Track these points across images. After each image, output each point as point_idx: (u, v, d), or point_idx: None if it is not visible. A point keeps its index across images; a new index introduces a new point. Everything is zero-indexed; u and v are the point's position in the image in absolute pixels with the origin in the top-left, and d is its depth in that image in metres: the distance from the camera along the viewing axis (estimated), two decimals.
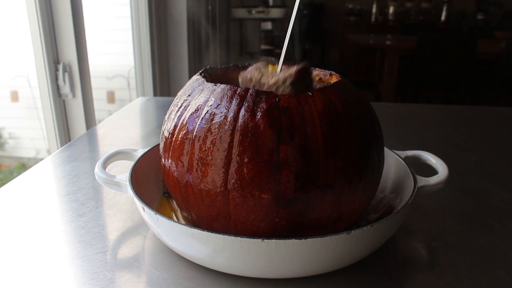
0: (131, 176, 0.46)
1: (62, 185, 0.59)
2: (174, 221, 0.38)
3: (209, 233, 0.36)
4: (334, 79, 0.46)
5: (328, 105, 0.39)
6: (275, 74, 0.45)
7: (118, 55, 2.25)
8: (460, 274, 0.41)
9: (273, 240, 0.35)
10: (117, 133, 0.80)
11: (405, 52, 2.81)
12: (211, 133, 0.38)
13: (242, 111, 0.38)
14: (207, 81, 0.43)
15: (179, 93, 0.45)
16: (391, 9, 4.07)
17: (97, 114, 1.28)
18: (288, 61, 0.48)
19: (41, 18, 1.07)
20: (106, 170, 0.48)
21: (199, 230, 0.37)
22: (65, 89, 1.17)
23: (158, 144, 0.51)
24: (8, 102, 2.25)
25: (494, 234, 0.48)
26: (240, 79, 0.46)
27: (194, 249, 0.39)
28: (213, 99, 0.39)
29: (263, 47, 3.28)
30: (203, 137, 0.38)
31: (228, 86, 0.40)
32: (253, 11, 2.89)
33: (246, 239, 0.35)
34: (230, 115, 0.38)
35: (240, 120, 0.37)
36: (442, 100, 2.95)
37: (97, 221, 0.49)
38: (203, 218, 0.41)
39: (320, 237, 0.36)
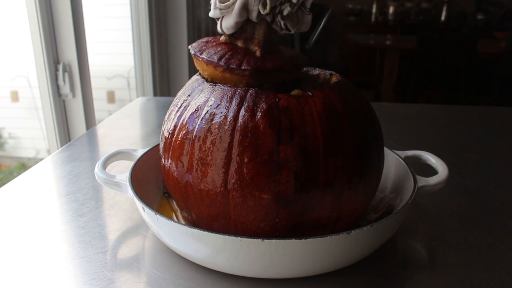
0: (131, 176, 0.46)
1: (62, 185, 0.59)
2: (174, 221, 0.38)
3: (209, 233, 0.36)
4: (334, 79, 0.46)
5: (328, 105, 0.39)
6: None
7: (118, 55, 2.25)
8: (460, 274, 0.41)
9: (273, 240, 0.35)
10: (117, 133, 0.80)
11: (405, 52, 2.81)
12: (211, 133, 0.38)
13: (242, 111, 0.38)
14: (207, 81, 0.43)
15: (179, 93, 0.45)
16: (391, 9, 4.07)
17: (97, 114, 1.28)
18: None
19: (41, 18, 1.07)
20: (106, 170, 0.48)
21: (199, 230, 0.37)
22: (65, 89, 1.17)
23: (158, 144, 0.51)
24: (8, 102, 2.25)
25: (494, 234, 0.48)
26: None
27: (194, 249, 0.39)
28: (213, 99, 0.39)
29: None
30: (203, 137, 0.38)
31: (228, 86, 0.40)
32: None
33: (246, 239, 0.35)
34: (230, 115, 0.38)
35: (240, 120, 0.37)
36: (442, 100, 2.95)
37: (97, 221, 0.49)
38: (203, 218, 0.41)
39: (320, 237, 0.36)
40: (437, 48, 2.62)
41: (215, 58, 0.41)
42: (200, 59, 0.42)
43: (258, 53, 0.42)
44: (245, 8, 0.40)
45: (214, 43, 0.44)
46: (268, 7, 0.40)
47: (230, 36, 0.44)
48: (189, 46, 0.45)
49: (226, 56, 0.41)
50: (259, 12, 0.40)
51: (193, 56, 0.43)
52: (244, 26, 0.43)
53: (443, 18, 3.94)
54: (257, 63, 0.40)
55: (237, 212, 0.38)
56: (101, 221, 0.50)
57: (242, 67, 0.40)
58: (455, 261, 0.43)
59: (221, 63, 0.41)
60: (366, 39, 3.26)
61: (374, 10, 4.09)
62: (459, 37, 2.77)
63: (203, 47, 0.43)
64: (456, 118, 0.95)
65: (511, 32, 2.67)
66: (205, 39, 0.46)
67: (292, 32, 0.42)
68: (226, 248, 0.37)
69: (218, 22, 0.43)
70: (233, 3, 0.41)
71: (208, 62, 0.42)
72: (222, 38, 0.44)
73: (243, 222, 0.39)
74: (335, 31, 4.13)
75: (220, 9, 0.42)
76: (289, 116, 0.37)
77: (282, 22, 0.41)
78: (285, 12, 0.40)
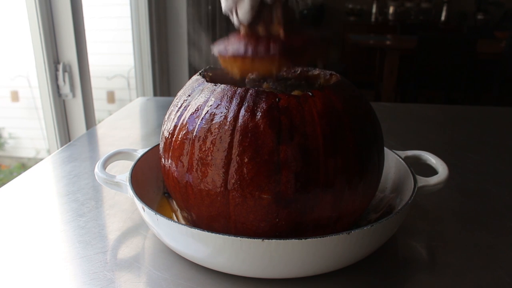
0: (131, 176, 0.46)
1: (62, 185, 0.59)
2: (174, 221, 0.38)
3: (209, 233, 0.36)
4: (334, 79, 0.46)
5: (328, 105, 0.39)
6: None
7: (118, 55, 2.25)
8: (460, 274, 0.41)
9: (273, 240, 0.35)
10: (117, 133, 0.80)
11: (405, 52, 2.81)
12: (211, 133, 0.38)
13: (242, 111, 0.38)
14: (207, 81, 0.43)
15: (179, 93, 0.45)
16: (391, 9, 4.07)
17: (97, 114, 1.28)
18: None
19: (41, 18, 1.07)
20: (106, 170, 0.48)
21: (199, 230, 0.37)
22: (65, 89, 1.17)
23: (158, 144, 0.51)
24: (8, 102, 2.25)
25: (494, 234, 0.48)
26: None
27: (194, 249, 0.39)
28: (213, 99, 0.39)
29: None
30: (203, 137, 0.38)
31: (228, 86, 0.40)
32: None
33: (246, 239, 0.35)
34: (230, 115, 0.38)
35: (240, 120, 0.37)
36: (442, 100, 2.95)
37: (97, 221, 0.49)
38: (203, 218, 0.41)
39: (320, 237, 0.36)
40: (437, 48, 2.62)
41: (241, 50, 0.40)
42: (227, 57, 0.41)
43: (281, 34, 0.41)
44: None
45: (236, 38, 0.43)
46: None
47: (250, 26, 0.42)
48: (213, 48, 0.44)
49: (252, 45, 0.40)
50: None
51: (219, 57, 0.42)
52: (260, 14, 0.42)
53: (443, 18, 3.94)
54: (283, 43, 0.39)
55: (237, 212, 0.38)
56: (101, 221, 0.50)
57: (271, 52, 0.39)
58: (455, 261, 0.43)
59: (249, 53, 0.39)
60: (366, 39, 3.26)
61: (374, 10, 4.09)
62: (459, 37, 2.77)
63: (227, 45, 0.42)
64: (456, 118, 0.95)
65: (511, 32, 2.68)
66: (225, 39, 0.45)
67: (309, 3, 0.42)
68: (226, 248, 0.37)
69: (234, 16, 0.42)
70: None
71: (235, 57, 0.40)
72: (242, 31, 0.43)
73: (243, 222, 0.39)
74: (335, 31, 4.13)
75: None
76: (289, 116, 0.37)
77: None
78: None
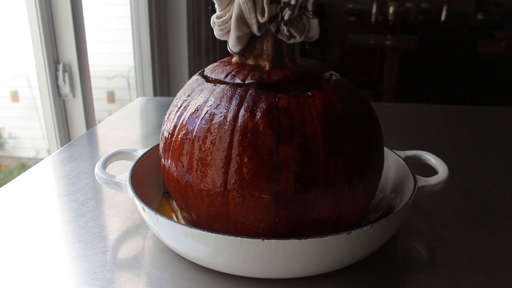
0: (131, 176, 0.46)
1: (62, 185, 0.59)
2: (174, 221, 0.38)
3: (209, 233, 0.36)
4: (334, 79, 0.46)
5: (328, 105, 0.39)
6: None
7: (118, 55, 2.25)
8: (460, 274, 0.41)
9: (273, 240, 0.35)
10: (117, 133, 0.80)
11: (405, 52, 2.81)
12: (211, 133, 0.38)
13: (242, 111, 0.38)
14: (206, 81, 0.43)
15: (178, 93, 0.45)
16: (391, 9, 4.07)
17: (97, 114, 1.28)
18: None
19: (41, 18, 1.07)
20: (106, 170, 0.48)
21: (199, 230, 0.37)
22: (65, 89, 1.17)
23: (158, 144, 0.51)
24: (8, 102, 2.25)
25: (494, 234, 0.48)
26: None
27: (194, 249, 0.39)
28: (212, 99, 0.39)
29: None
30: (202, 137, 0.38)
31: (228, 86, 0.40)
32: None
33: (246, 239, 0.35)
34: (230, 115, 0.38)
35: (240, 120, 0.37)
36: (442, 100, 2.95)
37: (97, 221, 0.49)
38: (203, 218, 0.41)
39: (320, 237, 0.36)
40: (437, 48, 2.62)
41: (221, 77, 0.42)
42: (210, 79, 0.43)
43: (267, 67, 0.42)
44: (242, 20, 0.40)
45: (226, 63, 0.44)
46: (266, 14, 0.39)
47: (241, 55, 0.44)
48: (205, 69, 0.46)
49: (232, 73, 0.42)
50: (259, 23, 0.40)
51: (206, 78, 0.44)
52: (252, 44, 0.43)
53: (443, 18, 3.94)
54: (262, 76, 0.40)
55: (237, 212, 0.38)
56: (101, 221, 0.50)
57: (246, 82, 0.40)
58: (455, 261, 0.43)
59: (227, 80, 0.41)
60: (366, 39, 3.26)
61: (374, 10, 4.09)
62: (459, 37, 2.77)
63: (215, 68, 0.44)
64: (456, 118, 0.95)
65: (511, 32, 2.68)
66: (219, 61, 0.46)
67: (300, 39, 0.41)
68: (226, 248, 0.37)
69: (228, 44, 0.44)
70: (230, 18, 0.41)
71: (216, 81, 0.42)
72: (234, 59, 0.45)
73: (243, 222, 0.39)
74: (335, 31, 4.13)
75: (219, 26, 0.42)
76: (289, 116, 0.37)
77: (285, 29, 0.40)
78: (286, 17, 0.40)
